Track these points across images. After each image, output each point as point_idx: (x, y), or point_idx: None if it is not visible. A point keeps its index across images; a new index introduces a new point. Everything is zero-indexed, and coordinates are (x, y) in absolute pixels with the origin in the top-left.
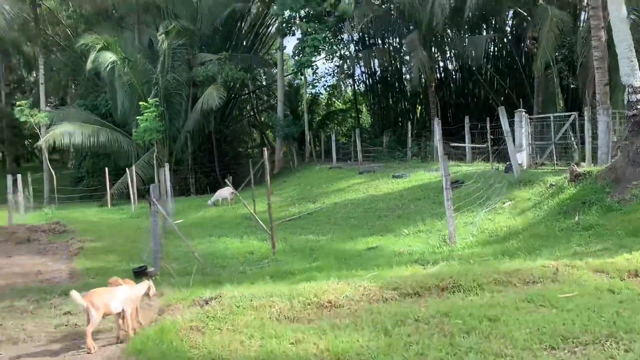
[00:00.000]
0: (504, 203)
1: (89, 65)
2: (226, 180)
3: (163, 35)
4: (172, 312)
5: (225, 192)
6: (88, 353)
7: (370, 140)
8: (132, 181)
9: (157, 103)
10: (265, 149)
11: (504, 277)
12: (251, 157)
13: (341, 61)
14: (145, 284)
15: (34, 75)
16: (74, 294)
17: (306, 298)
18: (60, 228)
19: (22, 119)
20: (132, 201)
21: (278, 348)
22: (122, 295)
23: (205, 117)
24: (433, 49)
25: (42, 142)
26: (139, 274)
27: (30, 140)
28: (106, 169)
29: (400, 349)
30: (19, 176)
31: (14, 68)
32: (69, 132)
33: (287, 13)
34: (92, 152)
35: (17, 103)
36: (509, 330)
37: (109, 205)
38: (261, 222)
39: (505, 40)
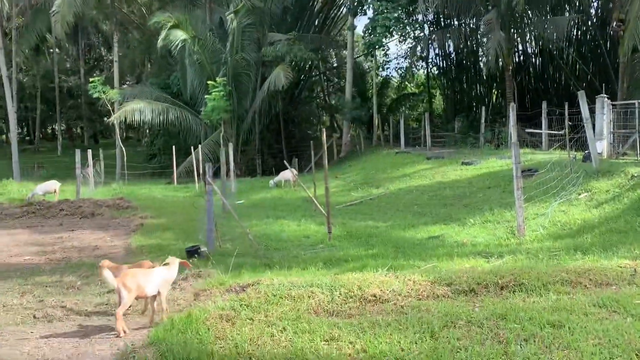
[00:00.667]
0: (579, 194)
1: (159, 43)
2: (285, 163)
3: (232, 14)
4: (206, 297)
5: (288, 174)
6: (117, 337)
7: (442, 125)
8: (197, 160)
9: (225, 82)
10: (324, 130)
11: (573, 277)
12: (319, 140)
13: (414, 42)
14: (175, 264)
15: (112, 53)
16: (106, 272)
17: (349, 290)
18: (125, 204)
19: (95, 95)
20: (197, 180)
21: (310, 345)
22: (159, 277)
23: (273, 97)
24: (512, 30)
25: (114, 118)
26: (191, 254)
27: (107, 117)
28: (173, 147)
29: (446, 356)
30: (89, 151)
31: (93, 46)
32: (139, 109)
33: None
34: (165, 130)
35: (90, 80)
36: (574, 340)
37: (175, 183)
38: (319, 206)
39: (589, 22)
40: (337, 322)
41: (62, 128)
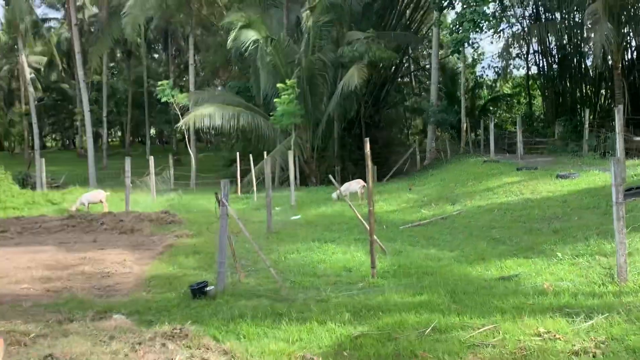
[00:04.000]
0: None
1: (229, 43)
2: (330, 177)
3: (307, 11)
4: None
5: (355, 185)
6: None
7: (542, 129)
8: (259, 169)
9: (295, 85)
10: (366, 140)
11: None
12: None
13: (510, 39)
14: None
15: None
16: None
17: None
18: (168, 218)
19: (163, 99)
20: (255, 191)
21: None
22: None
23: (351, 100)
24: (622, 20)
25: (182, 124)
26: (196, 292)
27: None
28: (238, 153)
29: None
30: (151, 158)
31: (183, 51)
32: (209, 113)
33: None
34: (243, 136)
35: (159, 83)
36: None
37: (239, 193)
38: (365, 225)
39: None
40: None
41: (151, 132)
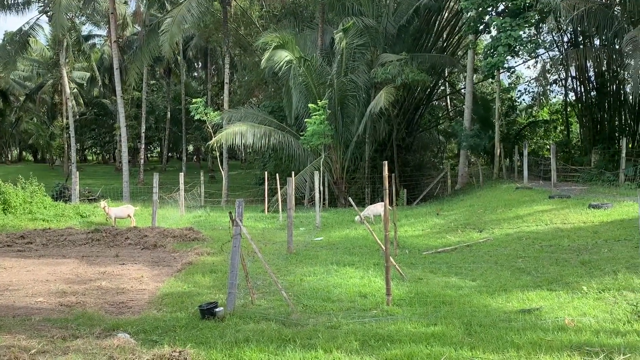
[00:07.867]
0: None
1: (263, 63)
2: (350, 199)
3: (341, 33)
4: None
5: (380, 207)
6: None
7: (578, 157)
8: (283, 188)
9: (326, 105)
10: (385, 162)
11: None
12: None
13: (547, 64)
14: None
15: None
16: None
17: None
18: (192, 235)
19: (197, 117)
20: (281, 211)
21: None
22: None
23: (378, 122)
24: None
25: (214, 141)
26: (205, 313)
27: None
28: (267, 173)
29: None
30: (181, 174)
31: (221, 69)
32: (241, 132)
33: (478, 8)
34: (275, 155)
35: (193, 101)
36: None
37: (266, 212)
38: (384, 248)
39: None
40: None
41: (189, 149)
